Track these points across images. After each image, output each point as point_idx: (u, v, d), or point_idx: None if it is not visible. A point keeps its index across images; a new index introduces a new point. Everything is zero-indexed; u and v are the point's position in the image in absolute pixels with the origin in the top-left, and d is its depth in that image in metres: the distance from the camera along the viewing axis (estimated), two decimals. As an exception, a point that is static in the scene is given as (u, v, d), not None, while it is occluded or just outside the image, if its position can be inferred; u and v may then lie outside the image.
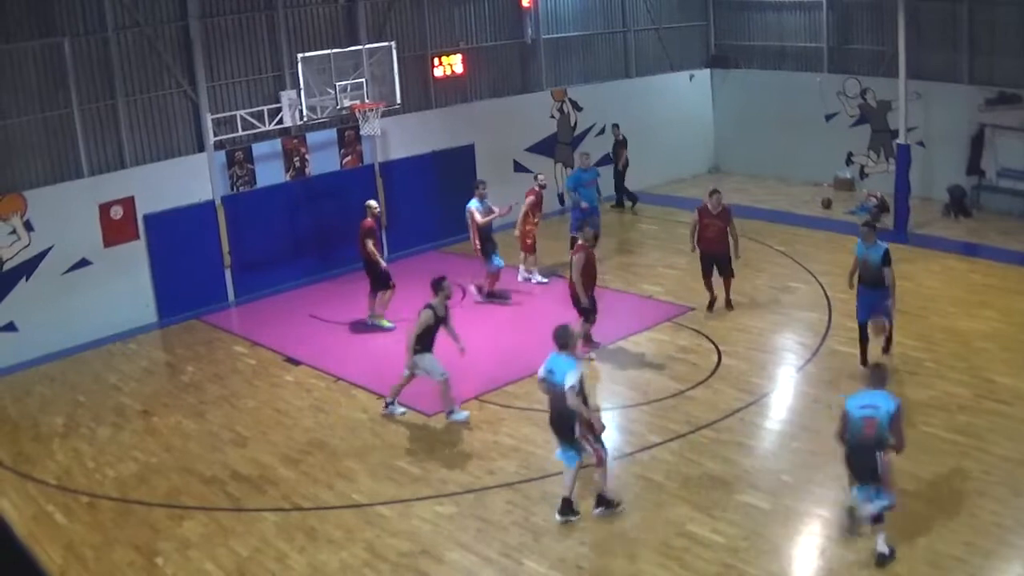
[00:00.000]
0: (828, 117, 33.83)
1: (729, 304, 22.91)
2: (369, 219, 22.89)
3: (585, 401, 14.36)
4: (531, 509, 15.23)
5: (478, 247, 24.28)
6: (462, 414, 18.18)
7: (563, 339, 14.57)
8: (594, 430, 14.37)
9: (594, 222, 24.36)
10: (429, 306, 17.87)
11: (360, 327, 23.17)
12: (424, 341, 17.83)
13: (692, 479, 15.76)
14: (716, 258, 22.72)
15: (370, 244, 22.46)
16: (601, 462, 14.60)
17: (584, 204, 26.26)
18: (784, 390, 19.34)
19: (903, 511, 14.44)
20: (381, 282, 22.90)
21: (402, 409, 18.58)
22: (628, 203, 32.35)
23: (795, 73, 34.76)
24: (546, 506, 15.24)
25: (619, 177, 32.34)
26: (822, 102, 33.73)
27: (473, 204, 24.22)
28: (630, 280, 24.71)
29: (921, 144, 30.33)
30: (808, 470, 15.92)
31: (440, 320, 17.96)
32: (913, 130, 29.64)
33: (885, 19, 30.33)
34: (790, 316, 22.74)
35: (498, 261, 24.44)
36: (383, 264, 22.79)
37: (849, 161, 33.62)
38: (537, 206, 25.24)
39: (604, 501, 14.75)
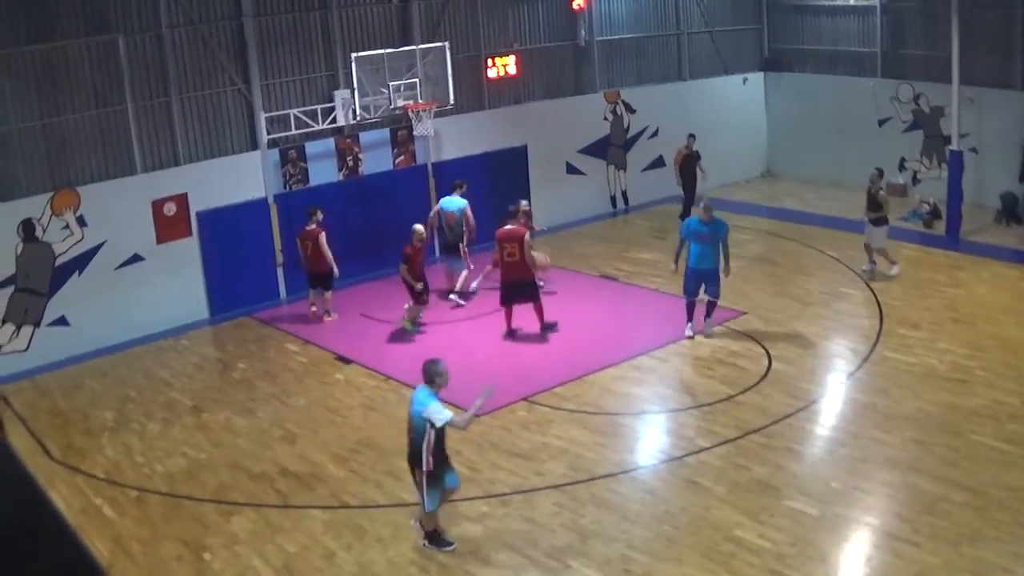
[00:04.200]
0: (881, 122, 33.60)
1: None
2: (411, 246, 22.65)
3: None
4: (579, 511, 15.22)
5: (465, 249, 24.52)
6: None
7: (427, 373, 13.99)
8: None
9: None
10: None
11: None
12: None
13: (740, 484, 15.71)
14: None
15: (402, 268, 22.57)
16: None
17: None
18: (834, 396, 19.22)
19: (949, 519, 14.43)
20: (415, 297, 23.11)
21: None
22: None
23: (848, 78, 34.53)
24: (594, 508, 15.25)
25: (692, 193, 31.18)
26: (875, 107, 33.53)
27: (463, 201, 24.57)
28: (680, 283, 24.63)
29: (974, 150, 30.09)
30: (856, 477, 15.82)
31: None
32: (966, 136, 29.41)
33: (939, 24, 30.10)
34: (841, 322, 22.61)
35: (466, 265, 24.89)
36: (417, 286, 22.76)
37: (902, 167, 33.41)
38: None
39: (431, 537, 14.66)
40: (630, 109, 32.96)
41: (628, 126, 33.06)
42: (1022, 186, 30.17)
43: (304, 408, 19.73)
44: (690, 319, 21.69)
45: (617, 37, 32.99)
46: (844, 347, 21.30)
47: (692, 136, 30.77)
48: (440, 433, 13.72)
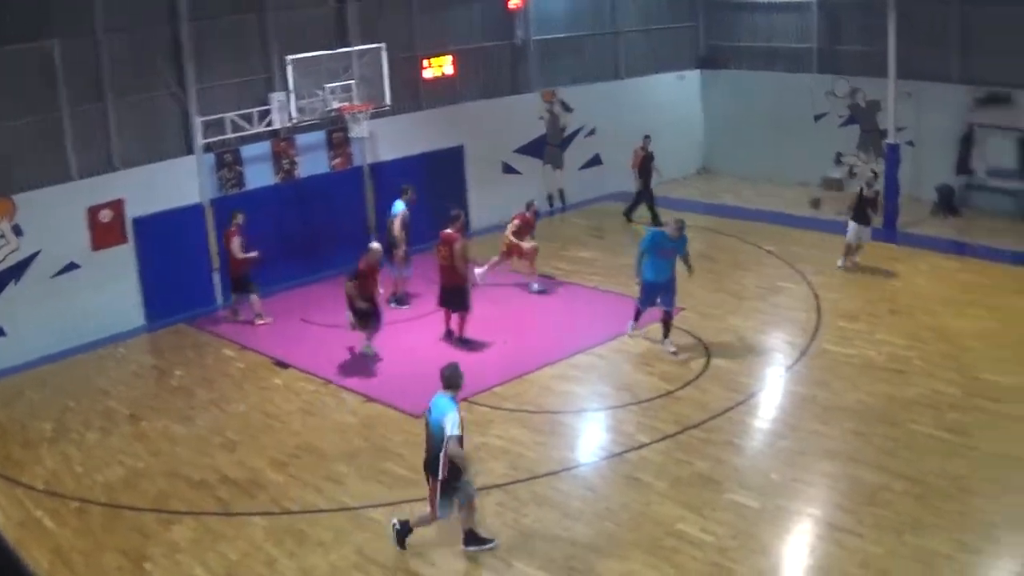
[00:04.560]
0: (817, 117, 33.84)
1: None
2: (365, 261, 21.55)
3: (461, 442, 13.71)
4: (521, 511, 15.21)
5: (403, 254, 24.36)
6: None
7: (448, 379, 13.82)
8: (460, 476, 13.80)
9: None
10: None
11: (348, 329, 23.09)
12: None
13: (681, 479, 15.77)
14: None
15: (349, 285, 21.26)
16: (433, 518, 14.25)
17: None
18: (773, 389, 19.39)
19: (891, 508, 14.55)
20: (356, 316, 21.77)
21: None
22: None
23: (785, 74, 34.74)
24: (536, 507, 15.27)
25: (649, 193, 30.91)
26: (811, 102, 33.75)
27: (401, 207, 24.29)
28: (622, 281, 24.60)
29: (911, 143, 30.36)
30: (797, 469, 15.98)
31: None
32: (903, 130, 29.73)
33: (875, 19, 30.23)
34: (779, 315, 22.78)
35: (409, 270, 24.77)
36: (360, 305, 21.28)
37: (838, 161, 33.62)
38: (525, 231, 25.19)
39: (474, 538, 14.42)
40: (567, 108, 32.97)
41: (565, 125, 33.07)
42: (959, 178, 30.47)
43: (243, 414, 19.59)
44: (636, 319, 21.50)
45: (553, 36, 32.98)
46: (782, 341, 21.46)
47: (647, 137, 30.65)
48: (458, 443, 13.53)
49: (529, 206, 25.60)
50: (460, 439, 13.41)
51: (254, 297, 24.01)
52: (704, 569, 13.50)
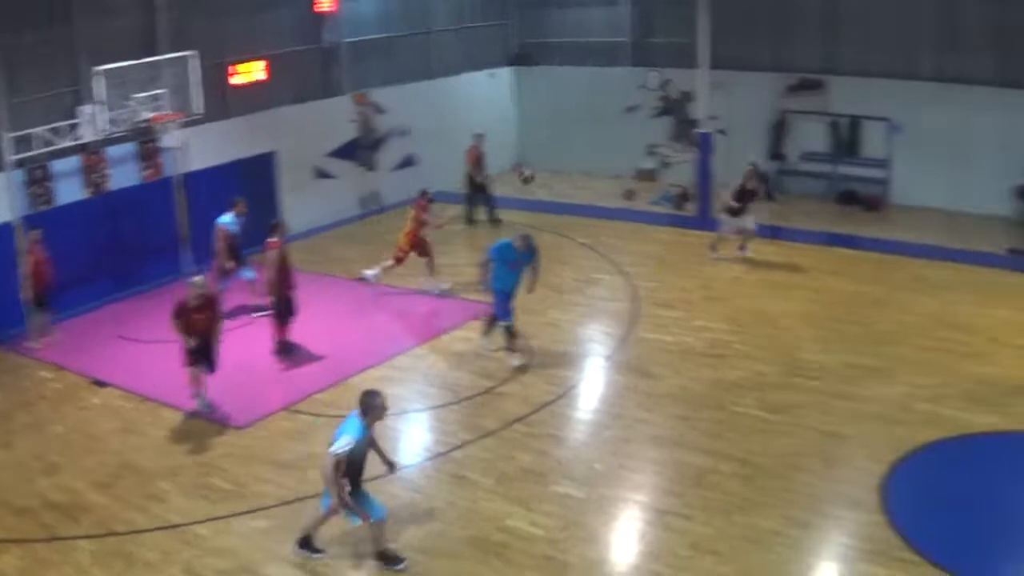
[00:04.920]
0: (630, 110, 34.20)
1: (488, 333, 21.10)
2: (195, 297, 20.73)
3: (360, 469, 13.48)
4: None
5: (230, 266, 23.83)
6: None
7: (364, 407, 13.34)
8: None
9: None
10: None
11: (166, 343, 22.53)
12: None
13: (507, 474, 15.70)
14: None
15: (178, 323, 19.21)
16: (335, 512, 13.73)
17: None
18: (594, 380, 19.48)
19: (718, 489, 14.73)
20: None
21: None
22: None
23: (598, 68, 35.08)
24: (363, 512, 15.05)
25: (486, 194, 30.72)
26: (625, 95, 34.10)
27: (226, 220, 23.80)
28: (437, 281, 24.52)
29: (723, 132, 30.79)
30: (622, 457, 16.09)
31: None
32: (715, 119, 30.11)
33: (686, 11, 30.60)
34: (596, 307, 22.91)
35: (248, 273, 24.13)
36: (188, 342, 19.13)
37: (652, 152, 34.01)
38: (424, 223, 24.55)
39: (306, 544, 14.13)
40: (379, 110, 32.74)
41: (377, 127, 32.83)
42: (772, 164, 31.08)
43: (62, 436, 19.00)
44: (488, 333, 20.80)
45: (364, 38, 32.70)
46: (601, 332, 21.58)
47: (481, 135, 30.56)
48: (352, 459, 13.09)
49: (424, 194, 24.87)
50: (337, 462, 12.95)
51: (45, 317, 23.24)
52: (535, 562, 13.44)
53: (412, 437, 17.76)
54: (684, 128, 32.87)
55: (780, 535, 13.77)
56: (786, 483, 15.09)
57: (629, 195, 31.92)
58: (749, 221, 25.61)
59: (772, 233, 27.28)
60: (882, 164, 30.50)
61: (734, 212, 25.55)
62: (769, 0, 30.97)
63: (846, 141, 31.06)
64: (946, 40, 29.68)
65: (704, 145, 29.41)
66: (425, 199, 24.72)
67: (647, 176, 33.66)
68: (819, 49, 30.72)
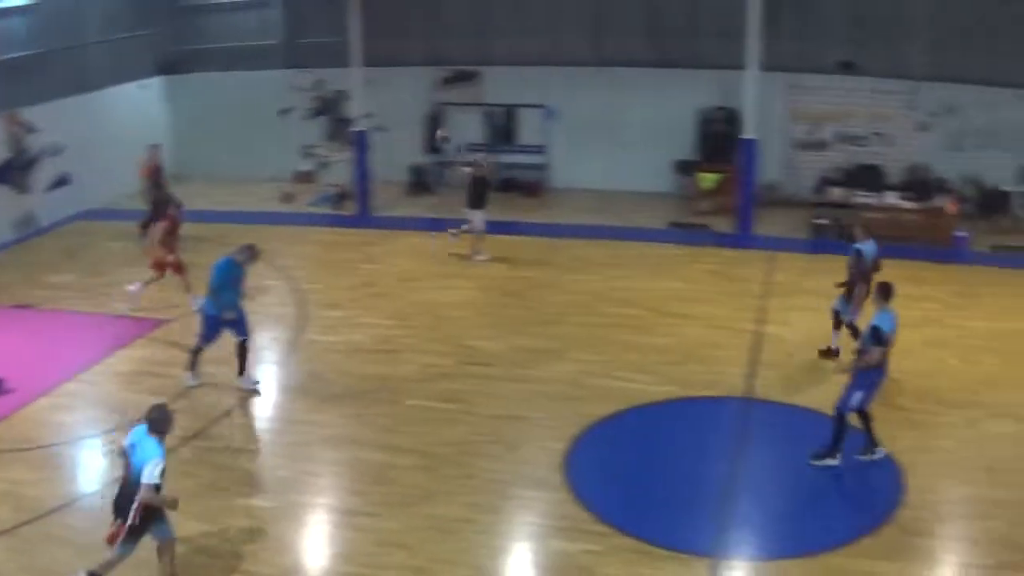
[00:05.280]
0: (284, 112, 33.99)
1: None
2: None
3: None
4: (33, 553, 14.29)
5: None
6: None
7: (153, 422, 12.47)
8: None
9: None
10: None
11: None
12: None
13: (191, 491, 15.31)
14: None
15: None
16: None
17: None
18: (266, 387, 19.17)
19: (400, 484, 14.84)
20: None
21: None
22: None
23: (251, 73, 34.61)
24: (50, 546, 14.26)
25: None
26: (279, 98, 33.90)
27: None
28: (100, 301, 23.76)
29: (380, 129, 30.95)
30: (301, 461, 16.06)
31: None
32: (371, 116, 30.26)
33: (338, 10, 30.56)
34: (266, 314, 22.58)
35: None
36: None
37: (308, 154, 33.91)
38: (173, 238, 23.07)
39: None
40: (29, 129, 31.50)
41: (29, 147, 31.58)
42: (429, 157, 31.47)
43: None
44: (195, 367, 19.28)
45: (13, 56, 31.41)
46: (269, 338, 21.27)
47: (155, 146, 29.52)
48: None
49: (175, 204, 23.35)
50: (157, 488, 12.21)
51: None
52: (224, 578, 13.26)
53: (90, 464, 17.16)
54: (340, 127, 32.88)
55: (470, 522, 14.02)
56: (469, 470, 15.37)
57: (287, 198, 31.76)
58: (479, 218, 25.70)
59: (432, 226, 27.63)
60: (540, 150, 31.30)
61: (476, 205, 25.58)
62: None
63: (503, 130, 31.78)
64: (597, 24, 30.74)
65: (360, 143, 29.52)
66: (173, 209, 23.30)
67: (305, 178, 33.57)
68: (473, 40, 31.31)
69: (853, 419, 15.43)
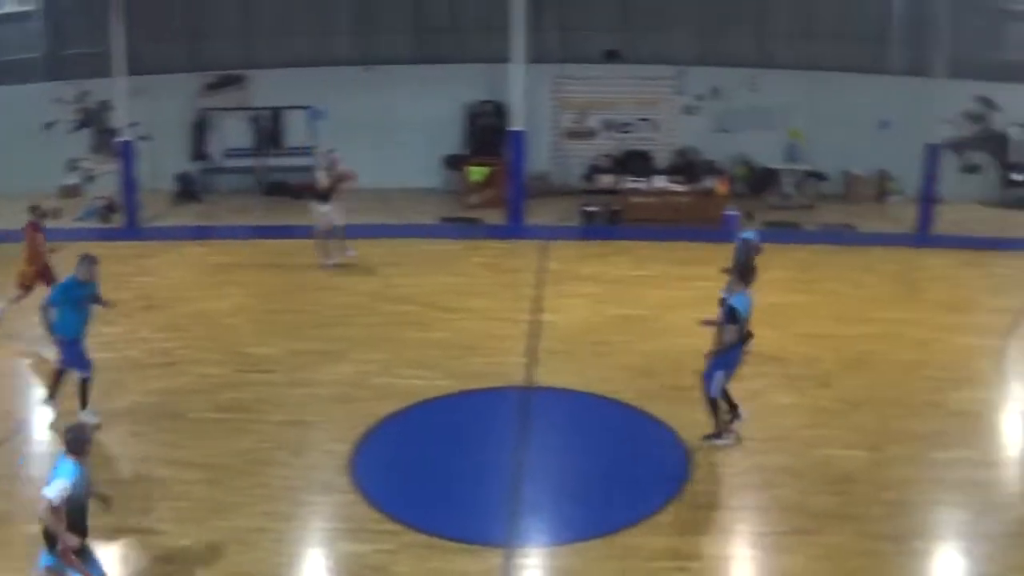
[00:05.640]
0: (47, 126, 33.14)
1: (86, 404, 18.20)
2: None
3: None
4: None
5: None
6: None
7: (70, 444, 11.56)
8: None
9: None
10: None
11: None
12: None
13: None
14: None
15: None
16: None
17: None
18: (47, 411, 17.90)
19: (189, 498, 14.79)
20: None
21: None
22: None
23: (11, 87, 33.51)
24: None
25: None
26: (42, 112, 33.08)
27: None
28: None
29: (146, 138, 30.55)
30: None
31: None
32: (136, 125, 29.86)
33: (101, 19, 29.93)
34: (36, 335, 21.68)
35: None
36: None
37: (74, 167, 33.19)
38: (41, 252, 21.31)
39: None
40: None
41: None
42: (196, 164, 31.20)
43: None
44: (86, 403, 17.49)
45: None
46: (43, 361, 19.97)
47: None
48: (73, 505, 11.22)
49: (36, 210, 21.47)
50: (55, 508, 11.05)
51: None
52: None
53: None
54: (105, 138, 32.28)
55: (264, 531, 13.97)
56: (258, 479, 15.31)
57: (55, 213, 30.97)
58: (339, 216, 25.33)
59: (202, 234, 27.44)
60: (307, 152, 31.21)
61: (324, 199, 25.15)
62: (183, 1, 30.91)
63: (269, 133, 31.60)
64: (362, 23, 30.81)
65: (126, 153, 29.04)
66: (37, 217, 21.51)
67: (72, 192, 32.85)
68: (238, 44, 31.06)
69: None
